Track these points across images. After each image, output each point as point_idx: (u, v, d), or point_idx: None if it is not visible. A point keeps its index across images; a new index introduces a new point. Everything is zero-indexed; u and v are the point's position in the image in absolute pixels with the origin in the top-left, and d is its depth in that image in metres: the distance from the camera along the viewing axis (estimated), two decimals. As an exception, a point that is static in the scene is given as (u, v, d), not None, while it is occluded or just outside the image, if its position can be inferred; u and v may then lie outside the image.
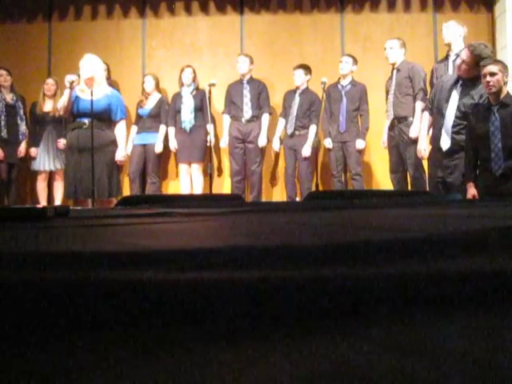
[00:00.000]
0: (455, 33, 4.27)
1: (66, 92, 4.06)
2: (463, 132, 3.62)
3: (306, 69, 5.19)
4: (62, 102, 4.11)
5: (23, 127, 5.27)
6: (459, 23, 4.33)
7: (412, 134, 4.31)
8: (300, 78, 5.17)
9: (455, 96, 3.70)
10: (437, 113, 3.82)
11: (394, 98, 4.55)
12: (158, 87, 5.44)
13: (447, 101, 3.72)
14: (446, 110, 3.71)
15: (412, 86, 4.47)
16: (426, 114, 4.02)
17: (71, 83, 4.01)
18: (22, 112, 5.27)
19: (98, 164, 4.02)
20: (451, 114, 3.69)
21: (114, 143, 4.23)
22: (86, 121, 4.04)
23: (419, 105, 4.34)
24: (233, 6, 5.87)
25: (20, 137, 5.24)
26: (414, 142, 4.25)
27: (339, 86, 5.09)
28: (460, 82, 3.71)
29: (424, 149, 3.99)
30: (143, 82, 5.41)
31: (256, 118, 5.21)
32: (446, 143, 3.71)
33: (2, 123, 5.10)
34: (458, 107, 3.66)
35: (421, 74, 4.47)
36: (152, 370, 0.37)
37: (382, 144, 4.84)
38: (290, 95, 5.26)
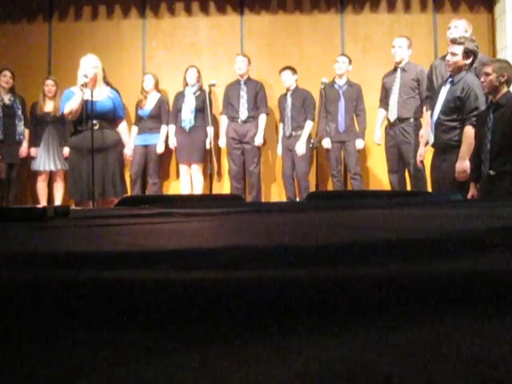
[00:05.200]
0: (464, 34, 4.23)
1: (78, 96, 4.01)
2: (449, 131, 3.63)
3: (292, 69, 5.21)
4: (72, 105, 4.03)
5: (21, 128, 5.26)
6: (469, 24, 4.27)
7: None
8: (288, 79, 5.19)
9: (443, 95, 3.72)
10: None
11: (398, 98, 4.55)
12: (157, 87, 5.45)
13: (437, 100, 3.76)
14: (435, 108, 3.75)
15: (419, 89, 4.47)
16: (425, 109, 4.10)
17: (83, 86, 3.98)
18: (20, 112, 5.26)
19: (111, 163, 4.06)
20: (436, 111, 3.72)
21: (121, 142, 4.26)
22: (96, 122, 4.03)
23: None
24: (233, 7, 5.87)
25: (17, 137, 5.23)
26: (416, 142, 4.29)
27: (336, 86, 5.10)
28: (449, 80, 3.73)
29: (420, 154, 4.08)
30: (143, 81, 5.42)
31: (252, 118, 5.22)
32: (430, 139, 3.79)
33: None
34: (444, 103, 3.67)
35: (428, 78, 4.46)
36: (151, 370, 0.37)
37: (376, 139, 4.84)
38: (282, 98, 5.29)
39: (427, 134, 4.03)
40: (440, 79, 4.08)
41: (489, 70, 3.33)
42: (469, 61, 3.64)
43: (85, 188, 4.02)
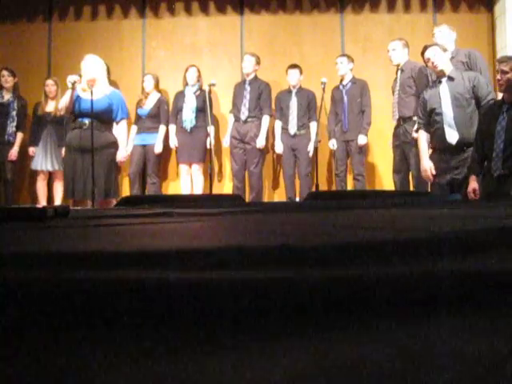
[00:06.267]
0: (448, 37, 4.28)
1: (68, 92, 4.06)
2: (468, 125, 3.61)
3: (300, 69, 5.24)
4: (64, 101, 4.13)
5: (12, 129, 5.25)
6: (451, 28, 4.35)
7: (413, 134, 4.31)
8: (295, 78, 5.20)
9: (445, 91, 3.71)
10: (434, 115, 3.79)
11: (398, 99, 4.56)
12: (157, 87, 5.45)
13: (440, 99, 3.73)
14: (442, 107, 3.71)
15: (416, 86, 4.47)
16: (421, 132, 3.95)
17: (73, 83, 4.01)
18: (14, 113, 5.26)
19: (95, 165, 4.01)
20: (448, 108, 3.69)
21: (113, 144, 4.20)
22: (86, 121, 4.03)
23: None
24: (233, 6, 5.87)
25: (6, 137, 5.23)
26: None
27: (340, 87, 5.12)
28: (444, 79, 3.75)
29: (430, 167, 3.82)
30: (143, 82, 5.44)
31: (254, 118, 5.20)
32: (453, 137, 3.66)
33: None
34: (455, 98, 3.67)
35: (423, 74, 4.46)
36: (152, 370, 0.37)
37: (389, 144, 4.82)
38: (285, 96, 5.26)
39: (427, 154, 3.92)
40: None
41: (506, 68, 3.27)
42: (449, 55, 3.83)
43: (71, 187, 4.04)
